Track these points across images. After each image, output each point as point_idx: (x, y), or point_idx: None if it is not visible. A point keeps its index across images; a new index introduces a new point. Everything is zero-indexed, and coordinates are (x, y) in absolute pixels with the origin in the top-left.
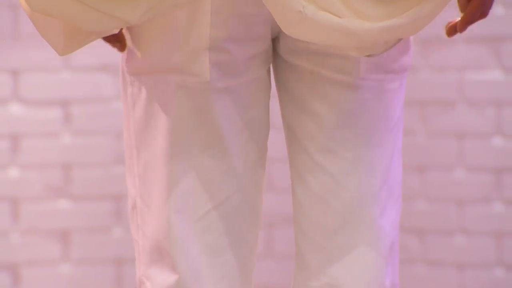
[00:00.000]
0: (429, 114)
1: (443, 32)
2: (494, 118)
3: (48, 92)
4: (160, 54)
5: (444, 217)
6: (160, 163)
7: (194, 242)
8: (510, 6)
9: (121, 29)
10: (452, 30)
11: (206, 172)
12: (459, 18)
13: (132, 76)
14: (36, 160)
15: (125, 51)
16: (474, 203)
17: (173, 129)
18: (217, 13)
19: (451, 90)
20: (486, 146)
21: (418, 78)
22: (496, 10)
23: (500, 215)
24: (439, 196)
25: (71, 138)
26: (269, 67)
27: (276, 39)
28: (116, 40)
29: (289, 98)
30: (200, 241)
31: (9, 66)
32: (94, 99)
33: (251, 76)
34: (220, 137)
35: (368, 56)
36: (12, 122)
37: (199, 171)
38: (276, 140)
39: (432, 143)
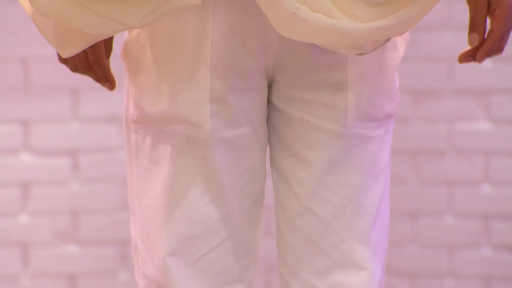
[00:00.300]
0: (420, 163)
1: (433, 85)
2: (482, 167)
3: (57, 142)
4: (163, 105)
5: (435, 261)
6: (159, 208)
7: (193, 282)
8: (497, 60)
9: (110, 70)
10: (465, 57)
11: (205, 217)
12: (470, 47)
13: (136, 125)
14: (45, 207)
15: (130, 101)
16: (464, 248)
17: (174, 176)
18: (216, 67)
19: (441, 140)
20: (475, 193)
21: (410, 128)
22: (485, 64)
23: (489, 259)
24: (430, 241)
25: (79, 185)
26: (266, 117)
27: (269, 87)
28: (106, 80)
29: (279, 143)
30: (199, 280)
31: (20, 117)
32: (101, 148)
33: (251, 127)
34: (219, 184)
35: (359, 54)
36: (23, 171)
37: (198, 217)
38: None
39: (423, 191)
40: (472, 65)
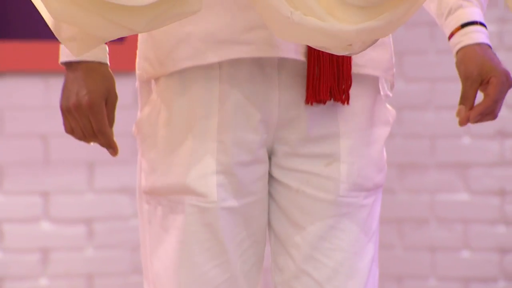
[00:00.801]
0: (405, 230)
1: (417, 159)
2: (462, 234)
3: (74, 211)
4: (173, 178)
5: None
6: (170, 272)
7: None
8: (475, 136)
9: (113, 138)
10: (465, 120)
11: (211, 281)
12: (464, 107)
13: (148, 195)
14: (63, 271)
15: (142, 174)
16: None
17: (183, 243)
18: (222, 141)
19: (424, 209)
20: (455, 258)
21: (396, 198)
22: (464, 140)
23: None
24: None
25: (94, 251)
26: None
27: (268, 158)
28: (109, 146)
29: (277, 210)
30: None
31: (40, 188)
32: (114, 217)
33: (254, 197)
34: (224, 249)
35: (348, 55)
36: (43, 238)
37: (204, 280)
38: None
39: (408, 256)
40: (453, 141)
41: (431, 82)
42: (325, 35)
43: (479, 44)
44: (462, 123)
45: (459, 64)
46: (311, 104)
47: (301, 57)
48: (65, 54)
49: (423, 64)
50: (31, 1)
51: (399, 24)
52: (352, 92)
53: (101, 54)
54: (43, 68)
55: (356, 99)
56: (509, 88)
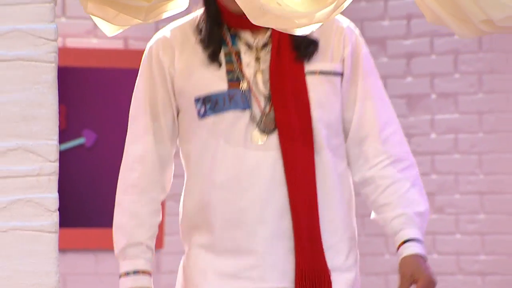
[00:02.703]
0: None
1: None
2: None
3: None
4: None
5: None
6: None
7: None
8: None
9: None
10: None
11: None
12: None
13: None
14: None
15: None
16: None
17: None
18: None
19: None
20: None
21: None
22: None
23: None
24: None
25: None
26: None
27: None
28: None
29: None
30: None
31: None
32: None
33: None
34: None
35: (303, 34)
36: None
37: None
38: None
39: None
40: None
41: None
42: (286, 19)
43: (415, 255)
44: None
45: (400, 267)
46: None
47: (286, 284)
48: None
49: None
50: (84, 200)
51: (338, 11)
52: None
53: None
54: (94, 247)
55: None
56: (432, 287)
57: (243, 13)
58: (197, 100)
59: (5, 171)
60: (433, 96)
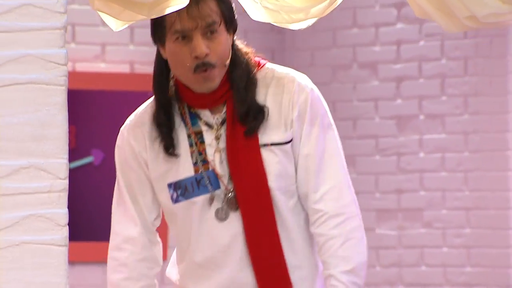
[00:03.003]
0: None
1: None
2: None
3: None
4: None
5: None
6: None
7: None
8: None
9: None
10: None
11: None
12: None
13: None
14: None
15: None
16: None
17: None
18: None
19: None
20: None
21: None
22: None
23: None
24: None
25: None
26: None
27: None
28: None
29: None
30: None
31: None
32: None
33: None
34: None
35: (298, 28)
36: None
37: None
38: None
39: None
40: None
41: None
42: (281, 14)
43: None
44: None
45: None
46: None
47: None
48: None
49: None
50: (92, 215)
51: (333, 6)
52: None
53: None
54: (101, 260)
55: None
56: None
57: (205, 92)
58: (169, 186)
59: (18, 188)
60: (422, 117)
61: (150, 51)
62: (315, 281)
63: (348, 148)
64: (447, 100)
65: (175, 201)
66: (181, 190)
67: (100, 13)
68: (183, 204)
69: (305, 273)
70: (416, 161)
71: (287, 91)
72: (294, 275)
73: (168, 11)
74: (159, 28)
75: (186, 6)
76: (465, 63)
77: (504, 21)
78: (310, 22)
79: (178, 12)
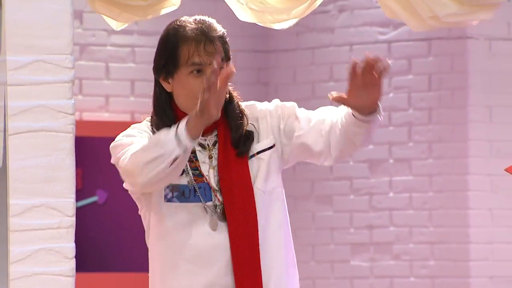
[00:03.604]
0: None
1: None
2: None
3: None
4: None
5: None
6: None
7: None
8: None
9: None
10: (340, 99)
11: None
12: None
13: None
14: None
15: None
16: None
17: None
18: None
19: None
20: None
21: None
22: None
23: None
24: None
25: None
26: None
27: None
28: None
29: None
30: None
31: None
32: None
33: None
34: None
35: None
36: None
37: None
38: None
39: None
40: None
41: None
42: (266, 14)
43: None
44: (336, 100)
45: None
46: None
47: None
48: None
49: None
50: (97, 249)
51: (313, 8)
52: None
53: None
54: None
55: None
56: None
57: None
58: (167, 186)
59: (30, 224)
60: (391, 161)
61: (148, 102)
62: (286, 279)
63: (325, 188)
64: (414, 145)
65: (168, 200)
66: (178, 193)
67: (101, 14)
68: (175, 205)
69: (276, 272)
70: (386, 200)
71: (263, 117)
72: (265, 275)
73: (163, 12)
74: (171, 61)
75: (201, 43)
76: (430, 113)
77: (464, 21)
78: (291, 22)
79: (196, 47)
